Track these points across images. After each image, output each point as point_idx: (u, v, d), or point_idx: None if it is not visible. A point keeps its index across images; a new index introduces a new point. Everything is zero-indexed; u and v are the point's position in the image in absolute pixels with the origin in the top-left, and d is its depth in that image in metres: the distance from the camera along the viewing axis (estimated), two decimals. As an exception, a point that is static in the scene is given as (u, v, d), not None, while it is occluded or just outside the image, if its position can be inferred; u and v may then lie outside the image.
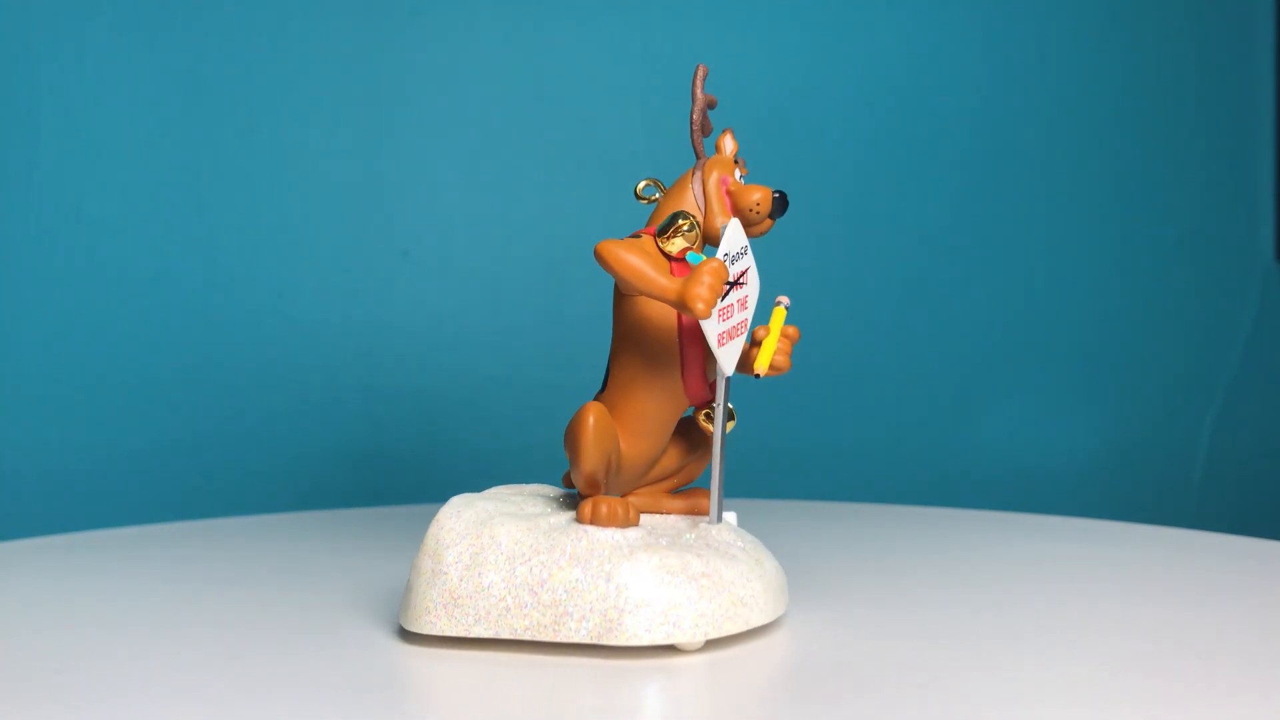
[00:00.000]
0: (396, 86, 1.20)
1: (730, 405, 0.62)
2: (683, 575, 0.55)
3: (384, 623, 0.61)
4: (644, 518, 0.62)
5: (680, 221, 0.59)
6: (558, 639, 0.53)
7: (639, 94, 1.25)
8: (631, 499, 0.63)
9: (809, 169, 1.31)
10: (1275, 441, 1.44)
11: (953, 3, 1.35)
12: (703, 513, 0.64)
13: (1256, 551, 0.79)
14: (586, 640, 0.53)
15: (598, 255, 0.56)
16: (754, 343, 0.62)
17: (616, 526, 0.58)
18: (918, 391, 1.34)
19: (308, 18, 1.18)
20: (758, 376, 0.61)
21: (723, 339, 0.58)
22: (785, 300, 0.63)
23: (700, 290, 0.55)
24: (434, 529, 0.57)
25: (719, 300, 0.57)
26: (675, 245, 0.59)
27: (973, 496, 1.27)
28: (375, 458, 1.18)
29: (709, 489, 0.64)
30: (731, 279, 0.57)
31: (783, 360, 0.62)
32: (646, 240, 0.59)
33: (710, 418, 0.62)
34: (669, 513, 0.63)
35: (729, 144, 0.64)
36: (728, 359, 0.58)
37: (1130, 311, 1.40)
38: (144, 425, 1.13)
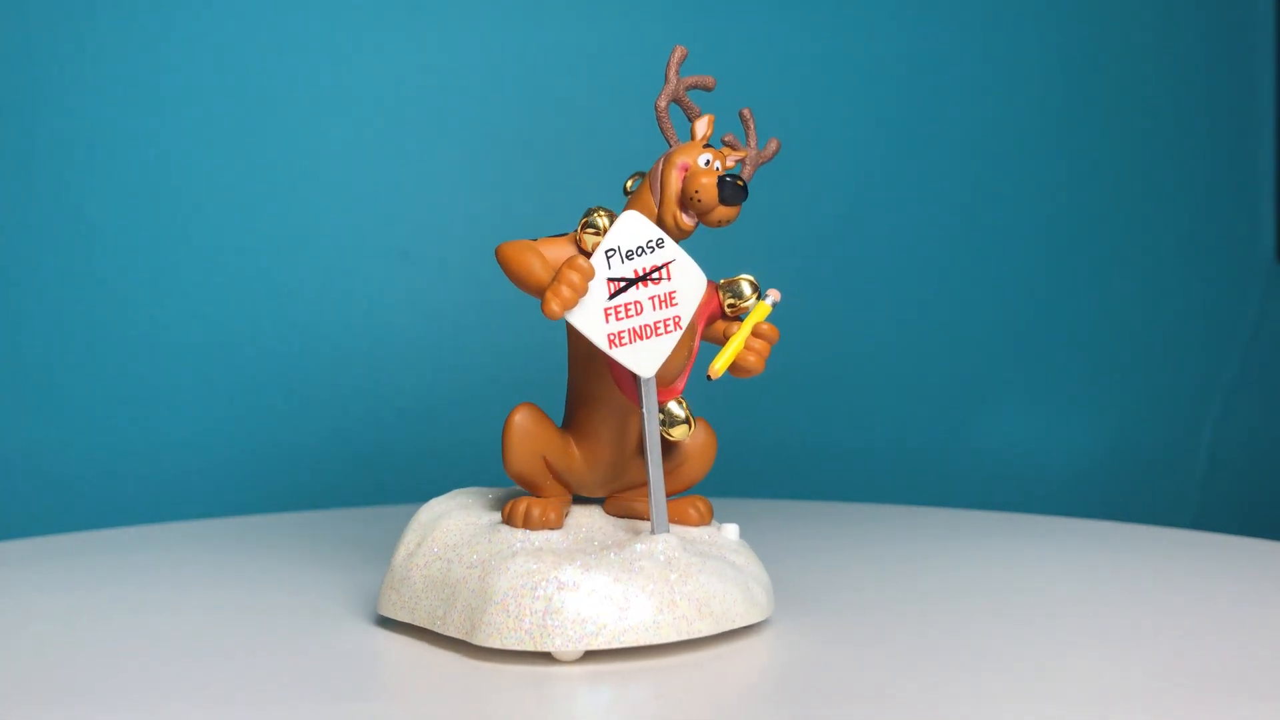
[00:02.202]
0: (396, 86, 1.20)
1: (684, 411, 0.58)
2: (552, 582, 0.53)
3: (374, 619, 0.61)
4: (584, 522, 0.60)
5: (591, 215, 0.56)
6: (444, 632, 0.55)
7: (640, 91, 1.25)
8: (622, 501, 0.62)
9: (810, 168, 1.31)
10: (1276, 442, 1.44)
11: (954, 3, 1.35)
12: (681, 519, 0.61)
13: (1258, 552, 0.79)
14: (459, 636, 0.54)
15: (495, 255, 0.55)
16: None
17: (530, 529, 0.57)
18: (918, 391, 1.34)
19: (307, 17, 1.18)
20: (709, 378, 0.58)
21: (619, 339, 0.55)
22: (773, 295, 0.59)
23: (557, 288, 0.53)
24: (411, 519, 0.61)
25: (609, 298, 0.54)
26: (587, 241, 0.56)
27: (972, 496, 1.27)
28: (375, 458, 1.18)
29: (701, 496, 0.62)
30: (632, 275, 0.54)
31: (754, 361, 0.58)
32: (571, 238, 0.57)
33: (666, 423, 0.58)
34: (645, 518, 0.61)
35: (700, 128, 0.60)
36: (634, 360, 0.55)
37: (1130, 311, 1.40)
38: (144, 425, 1.13)
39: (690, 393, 0.62)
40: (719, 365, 0.57)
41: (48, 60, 1.11)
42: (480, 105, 1.22)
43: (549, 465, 0.60)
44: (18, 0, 1.10)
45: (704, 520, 0.61)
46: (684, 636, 0.53)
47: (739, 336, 0.58)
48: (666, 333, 0.56)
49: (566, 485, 0.61)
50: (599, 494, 0.62)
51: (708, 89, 0.60)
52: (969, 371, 1.35)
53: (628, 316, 0.55)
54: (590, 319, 0.54)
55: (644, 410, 0.56)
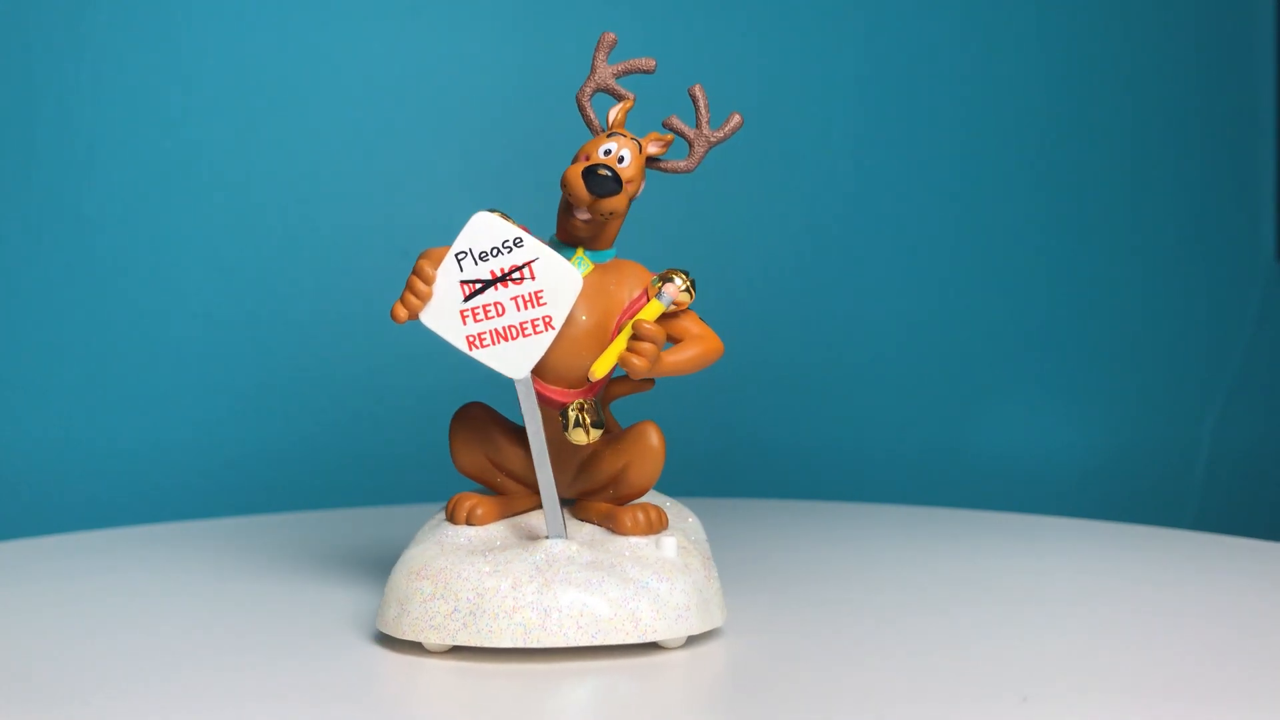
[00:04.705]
0: (397, 85, 1.20)
1: (587, 414, 0.56)
2: (422, 575, 0.55)
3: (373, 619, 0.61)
4: (518, 523, 0.60)
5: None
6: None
7: (643, 92, 1.25)
8: (581, 503, 0.62)
9: (808, 168, 1.31)
10: (1277, 442, 1.44)
11: (953, 2, 1.34)
12: (616, 527, 0.58)
13: (1258, 552, 0.79)
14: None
15: None
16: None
17: (455, 524, 0.59)
18: (918, 391, 1.34)
19: (308, 17, 1.18)
20: (589, 380, 0.56)
21: (479, 341, 0.54)
22: (670, 293, 0.57)
23: (403, 293, 0.54)
24: None
25: (464, 300, 0.54)
26: None
27: (972, 496, 1.27)
28: (375, 458, 1.18)
29: (651, 505, 0.59)
30: (488, 276, 0.54)
31: (637, 364, 0.54)
32: None
33: (568, 425, 0.56)
34: (596, 522, 0.60)
35: (611, 115, 0.59)
36: (500, 362, 0.54)
37: (1130, 311, 1.40)
38: (144, 425, 1.13)
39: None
40: (597, 366, 0.56)
41: (47, 60, 1.11)
42: (481, 105, 1.22)
43: (496, 464, 0.60)
44: (17, 0, 1.10)
45: (640, 530, 0.58)
46: (521, 644, 0.53)
47: (623, 336, 0.56)
48: (536, 333, 0.54)
49: (527, 484, 0.61)
50: (566, 495, 0.61)
51: (647, 72, 0.59)
52: (969, 371, 1.35)
53: (488, 318, 0.54)
54: (445, 322, 0.54)
55: (523, 412, 0.55)
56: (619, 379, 0.62)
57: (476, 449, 0.60)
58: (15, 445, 1.10)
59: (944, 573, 0.72)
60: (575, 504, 0.62)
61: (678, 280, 0.57)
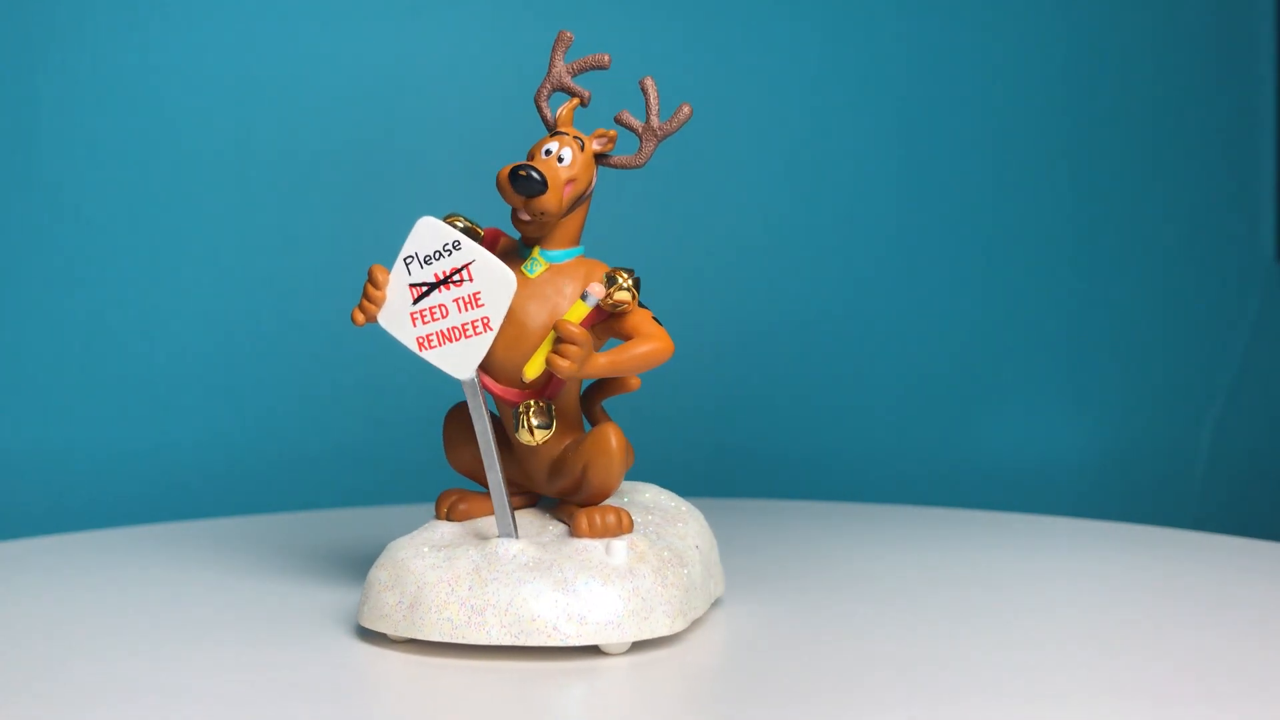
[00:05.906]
0: (396, 85, 1.20)
1: (531, 415, 0.56)
2: (383, 566, 0.57)
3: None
4: (489, 522, 0.60)
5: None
6: None
7: (636, 90, 1.25)
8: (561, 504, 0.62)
9: (806, 168, 1.31)
10: (1277, 442, 1.44)
11: (953, 2, 1.34)
12: (573, 529, 0.57)
13: (1258, 553, 0.79)
14: None
15: None
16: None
17: (437, 519, 0.61)
18: (918, 391, 1.33)
19: (308, 17, 1.18)
20: (523, 382, 0.57)
21: (427, 342, 0.56)
22: (594, 293, 0.56)
23: (361, 298, 0.57)
24: None
25: (413, 303, 0.55)
26: None
27: (972, 496, 1.27)
28: (375, 458, 1.18)
29: (612, 508, 0.58)
30: (432, 279, 0.55)
31: (564, 366, 0.54)
32: None
33: (516, 425, 0.57)
34: (565, 522, 0.60)
35: (558, 114, 0.60)
36: (446, 363, 0.56)
37: (1130, 311, 1.40)
38: (144, 425, 1.13)
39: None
40: (528, 368, 0.56)
41: (47, 60, 1.11)
42: (479, 104, 1.22)
43: None
44: (17, 0, 1.10)
45: (596, 532, 0.56)
46: (447, 639, 0.53)
47: (550, 338, 0.56)
48: (476, 334, 0.55)
49: (515, 484, 0.61)
50: (548, 493, 0.62)
51: (603, 68, 0.60)
52: (969, 372, 1.35)
53: (434, 320, 0.56)
54: (399, 324, 0.57)
55: (470, 411, 0.56)
56: (613, 380, 0.62)
57: (467, 447, 0.61)
58: (15, 445, 1.10)
59: (943, 573, 0.72)
60: (557, 504, 0.62)
61: (619, 279, 0.57)
